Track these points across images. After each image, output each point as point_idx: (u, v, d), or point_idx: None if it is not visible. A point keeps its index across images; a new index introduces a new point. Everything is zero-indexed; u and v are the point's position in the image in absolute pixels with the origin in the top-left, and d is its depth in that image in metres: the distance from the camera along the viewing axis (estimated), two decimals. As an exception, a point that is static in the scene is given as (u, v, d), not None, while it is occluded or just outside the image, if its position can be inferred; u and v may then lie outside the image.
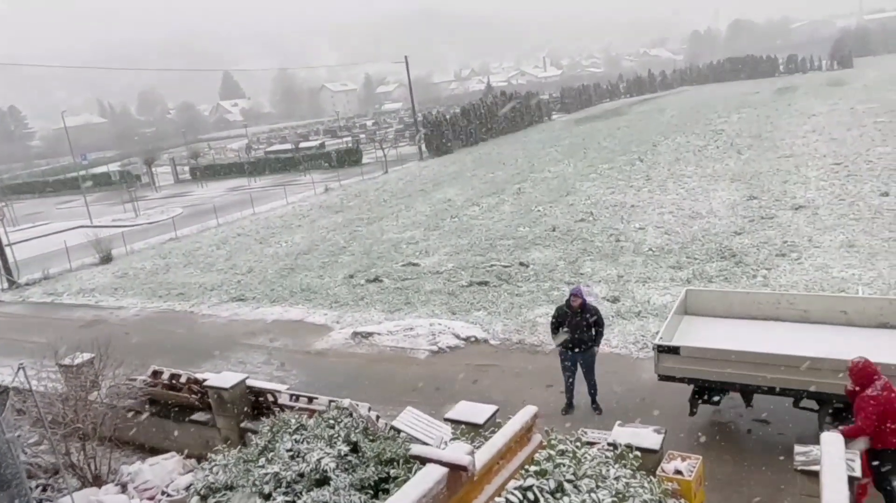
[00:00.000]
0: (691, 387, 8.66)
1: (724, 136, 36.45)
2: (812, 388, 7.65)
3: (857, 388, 6.63)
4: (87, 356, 10.42)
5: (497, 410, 7.33)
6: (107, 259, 26.60)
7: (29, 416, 9.56)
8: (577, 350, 9.58)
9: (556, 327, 9.77)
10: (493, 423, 7.08)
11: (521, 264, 17.51)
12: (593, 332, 9.59)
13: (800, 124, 37.34)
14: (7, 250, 25.57)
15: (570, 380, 9.75)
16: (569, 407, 9.81)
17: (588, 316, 9.56)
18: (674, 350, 8.39)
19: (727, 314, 9.80)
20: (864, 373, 6.57)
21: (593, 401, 9.80)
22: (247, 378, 9.44)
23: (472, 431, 6.97)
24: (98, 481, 9.37)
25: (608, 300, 13.95)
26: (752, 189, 22.51)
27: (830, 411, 7.72)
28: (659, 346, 8.50)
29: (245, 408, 9.34)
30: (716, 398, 8.67)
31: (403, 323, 14.29)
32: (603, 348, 10.19)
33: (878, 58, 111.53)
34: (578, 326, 9.51)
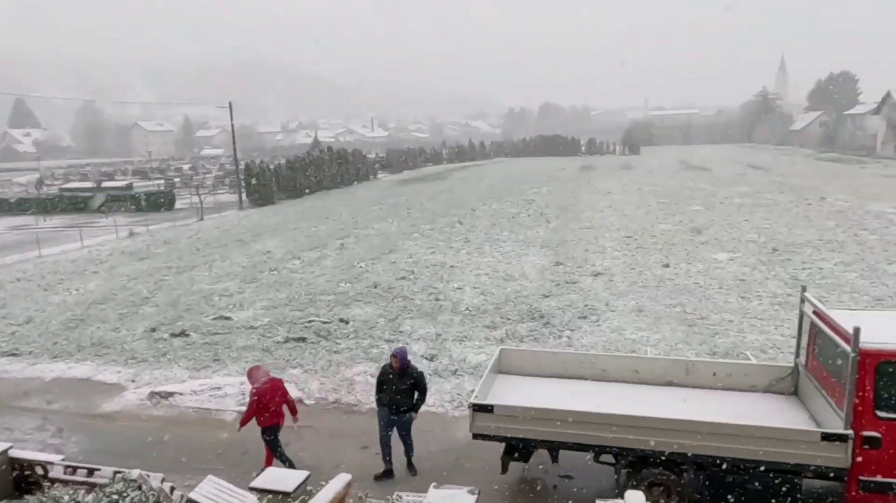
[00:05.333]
0: (503, 444, 8.85)
1: (534, 206, 39.44)
2: (611, 444, 8.14)
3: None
4: None
5: (308, 476, 6.89)
6: None
7: None
8: (395, 413, 9.42)
9: (379, 386, 9.57)
10: (303, 491, 6.62)
11: (342, 320, 17.16)
12: (415, 397, 9.50)
13: (598, 200, 41.64)
14: None
15: (387, 441, 9.52)
16: (387, 474, 9.50)
17: (408, 379, 9.45)
18: (488, 408, 8.53)
19: (537, 373, 10.26)
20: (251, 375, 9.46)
21: (409, 463, 9.64)
22: (10, 448, 8.00)
23: (281, 501, 6.46)
24: None
25: (426, 358, 14.05)
26: (558, 255, 24.39)
27: (626, 464, 8.25)
28: (474, 405, 8.61)
29: (5, 486, 7.88)
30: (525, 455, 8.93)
31: (210, 381, 13.19)
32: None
33: (659, 147, 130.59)
34: (398, 390, 9.38)
